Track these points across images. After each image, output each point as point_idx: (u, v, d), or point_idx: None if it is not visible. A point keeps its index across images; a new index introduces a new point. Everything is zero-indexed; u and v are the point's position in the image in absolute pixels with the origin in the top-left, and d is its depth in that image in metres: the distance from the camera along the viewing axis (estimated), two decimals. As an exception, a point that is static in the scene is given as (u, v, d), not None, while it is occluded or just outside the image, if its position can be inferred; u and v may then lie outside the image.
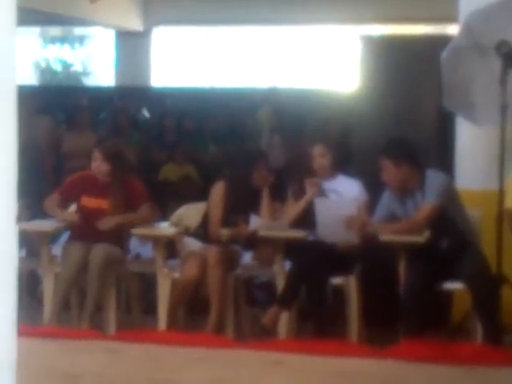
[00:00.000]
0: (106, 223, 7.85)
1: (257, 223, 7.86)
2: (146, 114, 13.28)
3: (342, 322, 7.40)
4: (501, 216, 7.39)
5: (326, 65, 15.99)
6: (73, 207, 8.25)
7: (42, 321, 7.55)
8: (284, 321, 7.46)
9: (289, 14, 14.58)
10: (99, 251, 7.75)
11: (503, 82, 7.43)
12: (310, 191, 7.88)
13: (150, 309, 8.01)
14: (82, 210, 8.12)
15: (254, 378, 5.07)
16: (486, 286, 7.24)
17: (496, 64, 7.55)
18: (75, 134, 10.43)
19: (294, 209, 7.92)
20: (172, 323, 7.70)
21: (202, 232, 8.11)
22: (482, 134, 8.00)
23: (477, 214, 7.66)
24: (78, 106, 12.52)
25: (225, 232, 7.89)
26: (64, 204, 8.20)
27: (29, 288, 7.57)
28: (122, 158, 8.43)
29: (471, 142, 8.31)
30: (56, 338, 6.08)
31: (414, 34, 13.08)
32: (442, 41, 8.58)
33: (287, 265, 7.72)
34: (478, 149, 8.13)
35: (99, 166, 8.13)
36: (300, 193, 7.95)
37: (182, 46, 17.70)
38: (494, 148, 7.57)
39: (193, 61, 17.82)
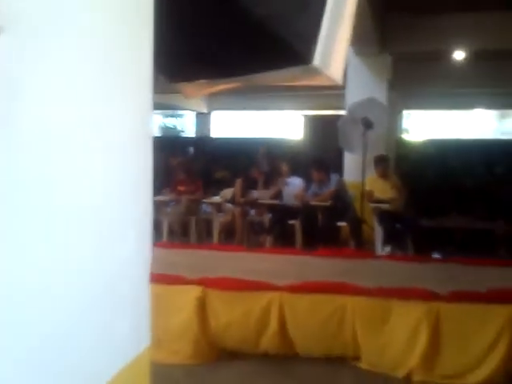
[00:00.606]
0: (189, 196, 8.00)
1: (256, 195, 7.87)
2: (191, 150, 12.86)
3: (293, 240, 7.39)
4: (363, 193, 7.39)
5: (290, 127, 15.89)
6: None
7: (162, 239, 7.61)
8: (269, 240, 7.46)
9: (277, 104, 14.50)
10: (182, 206, 7.88)
11: (364, 135, 7.40)
12: (280, 183, 7.86)
13: (210, 234, 8.01)
14: (177, 191, 8.14)
15: (254, 264, 5.04)
16: (355, 224, 7.22)
17: (361, 128, 7.51)
18: (174, 158, 10.24)
19: (273, 190, 7.88)
20: (219, 241, 7.69)
21: (232, 201, 8.09)
22: (355, 157, 7.96)
23: (353, 192, 7.63)
24: (177, 146, 12.42)
25: (242, 200, 7.87)
26: (172, 190, 8.24)
27: (156, 225, 7.52)
28: (190, 169, 8.44)
29: (350, 161, 8.28)
30: (170, 248, 6.06)
31: (327, 114, 12.88)
32: (338, 117, 8.53)
33: (270, 215, 7.74)
34: (353, 164, 8.10)
35: (179, 173, 8.24)
36: (276, 183, 7.93)
37: (225, 117, 17.54)
38: (360, 162, 7.54)
39: (231, 124, 17.71)
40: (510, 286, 3.97)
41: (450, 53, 8.92)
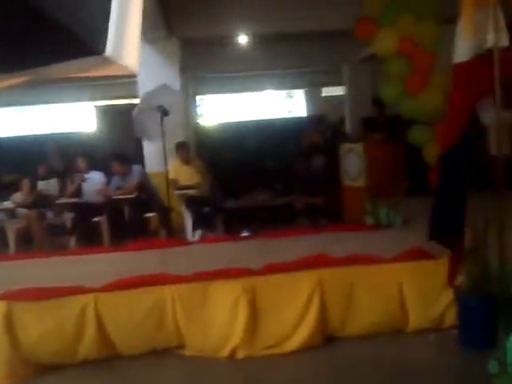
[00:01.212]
0: None
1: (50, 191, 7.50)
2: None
3: (101, 238, 7.18)
4: (168, 182, 7.39)
5: (82, 120, 15.26)
6: None
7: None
8: (72, 241, 7.14)
9: (67, 96, 13.79)
10: None
11: (161, 123, 7.35)
12: (77, 180, 7.56)
13: (6, 243, 7.37)
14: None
15: (61, 269, 4.78)
16: (163, 213, 7.23)
17: (157, 116, 7.41)
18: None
19: (71, 188, 7.55)
20: (17, 249, 7.14)
21: (24, 205, 7.55)
22: (156, 146, 7.88)
23: (157, 182, 7.60)
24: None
25: (30, 199, 7.47)
26: None
27: None
28: None
29: (151, 150, 8.21)
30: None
31: (121, 103, 12.58)
32: (133, 106, 8.36)
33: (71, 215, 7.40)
34: (154, 153, 8.04)
35: None
36: (74, 181, 7.62)
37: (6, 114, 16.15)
38: (161, 151, 7.48)
39: (15, 121, 16.33)
40: (313, 253, 4.34)
41: (237, 36, 9.32)
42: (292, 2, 7.98)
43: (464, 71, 3.10)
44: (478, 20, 3.04)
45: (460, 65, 3.12)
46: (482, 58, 3.08)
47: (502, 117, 3.17)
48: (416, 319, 4.03)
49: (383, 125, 8.02)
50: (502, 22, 3.05)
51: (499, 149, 3.16)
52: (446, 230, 3.35)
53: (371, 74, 10.32)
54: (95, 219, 7.18)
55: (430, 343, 3.86)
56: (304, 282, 4.03)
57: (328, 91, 15.82)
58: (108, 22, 1.14)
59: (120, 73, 1.27)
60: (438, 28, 6.18)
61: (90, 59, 1.14)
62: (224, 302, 3.98)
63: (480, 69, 3.08)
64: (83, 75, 1.36)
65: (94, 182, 7.49)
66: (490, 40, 3.06)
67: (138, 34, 1.30)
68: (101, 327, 3.88)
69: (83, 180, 7.49)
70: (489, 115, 3.26)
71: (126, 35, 1.22)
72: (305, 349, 3.89)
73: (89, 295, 3.91)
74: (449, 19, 3.54)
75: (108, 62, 1.15)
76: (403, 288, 4.06)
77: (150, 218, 7.33)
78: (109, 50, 1.14)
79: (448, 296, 3.90)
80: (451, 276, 3.48)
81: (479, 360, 3.28)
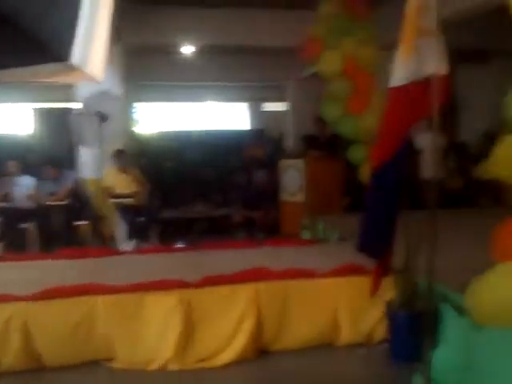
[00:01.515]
0: None
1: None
2: None
3: (29, 245, 7.02)
4: (103, 190, 7.34)
5: (16, 122, 14.73)
6: None
7: None
8: (1, 247, 6.97)
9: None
10: None
11: (99, 129, 7.27)
12: (8, 184, 7.41)
13: None
14: None
15: None
16: (96, 221, 7.17)
17: (96, 121, 7.33)
18: None
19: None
20: None
21: None
22: (92, 152, 7.74)
23: (92, 189, 7.54)
24: None
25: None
26: None
27: None
28: None
29: (87, 156, 8.04)
30: None
31: (60, 107, 12.24)
32: (70, 110, 8.25)
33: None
34: (90, 159, 7.87)
35: None
36: (4, 184, 7.46)
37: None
38: (97, 157, 7.38)
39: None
40: (250, 266, 4.43)
41: (180, 46, 9.40)
42: (239, 16, 8.18)
43: (400, 96, 3.27)
44: (419, 47, 3.20)
45: (395, 89, 3.28)
46: (418, 84, 3.25)
47: (436, 141, 3.38)
48: (348, 333, 4.16)
49: (324, 143, 8.25)
50: (443, 51, 3.22)
51: (435, 172, 3.35)
52: (374, 244, 3.53)
53: (314, 91, 10.59)
54: (24, 225, 7.04)
55: (362, 357, 3.99)
56: (240, 295, 4.08)
57: (268, 106, 16.06)
58: (75, 29, 1.20)
59: (84, 80, 1.32)
60: (379, 53, 6.47)
61: (54, 65, 1.19)
62: (158, 314, 3.98)
63: (416, 94, 3.25)
64: (47, 80, 1.41)
65: (24, 186, 7.34)
66: (431, 68, 3.21)
67: (105, 42, 1.36)
68: (27, 337, 3.80)
69: (14, 184, 7.34)
70: (423, 139, 3.46)
71: (93, 43, 1.28)
72: (238, 362, 3.93)
73: (16, 304, 3.84)
74: (389, 45, 3.72)
75: (72, 69, 1.21)
76: (337, 302, 4.19)
77: (81, 225, 7.24)
78: (74, 57, 1.19)
79: (379, 311, 4.06)
80: (374, 287, 3.65)
81: (408, 373, 3.46)
